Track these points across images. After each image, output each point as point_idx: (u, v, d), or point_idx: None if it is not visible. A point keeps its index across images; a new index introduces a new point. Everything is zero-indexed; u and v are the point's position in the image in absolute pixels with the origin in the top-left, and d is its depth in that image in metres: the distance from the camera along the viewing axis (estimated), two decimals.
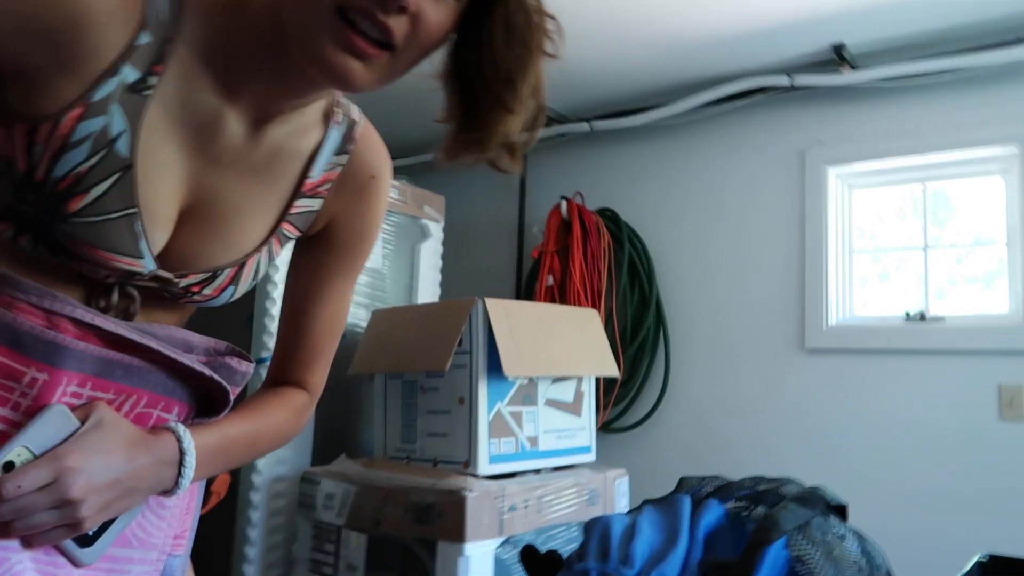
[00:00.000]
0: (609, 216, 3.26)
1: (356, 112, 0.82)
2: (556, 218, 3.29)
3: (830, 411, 2.74)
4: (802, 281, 2.85)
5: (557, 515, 1.98)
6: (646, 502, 1.14)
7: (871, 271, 2.88)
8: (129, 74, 0.62)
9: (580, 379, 2.25)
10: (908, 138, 2.70)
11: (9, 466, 0.60)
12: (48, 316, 0.63)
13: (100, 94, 0.61)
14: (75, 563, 0.65)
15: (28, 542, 0.62)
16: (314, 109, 0.76)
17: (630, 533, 1.04)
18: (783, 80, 2.81)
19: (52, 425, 0.62)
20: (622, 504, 2.21)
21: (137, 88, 0.62)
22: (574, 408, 2.22)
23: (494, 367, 1.93)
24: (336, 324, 0.88)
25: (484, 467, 1.91)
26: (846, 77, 2.70)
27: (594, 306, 3.11)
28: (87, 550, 0.66)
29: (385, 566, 1.94)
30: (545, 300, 3.21)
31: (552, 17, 0.66)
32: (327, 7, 0.59)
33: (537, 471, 2.08)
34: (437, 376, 2.03)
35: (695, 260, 3.12)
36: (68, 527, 0.62)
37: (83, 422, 0.64)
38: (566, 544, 2.01)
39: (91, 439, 0.63)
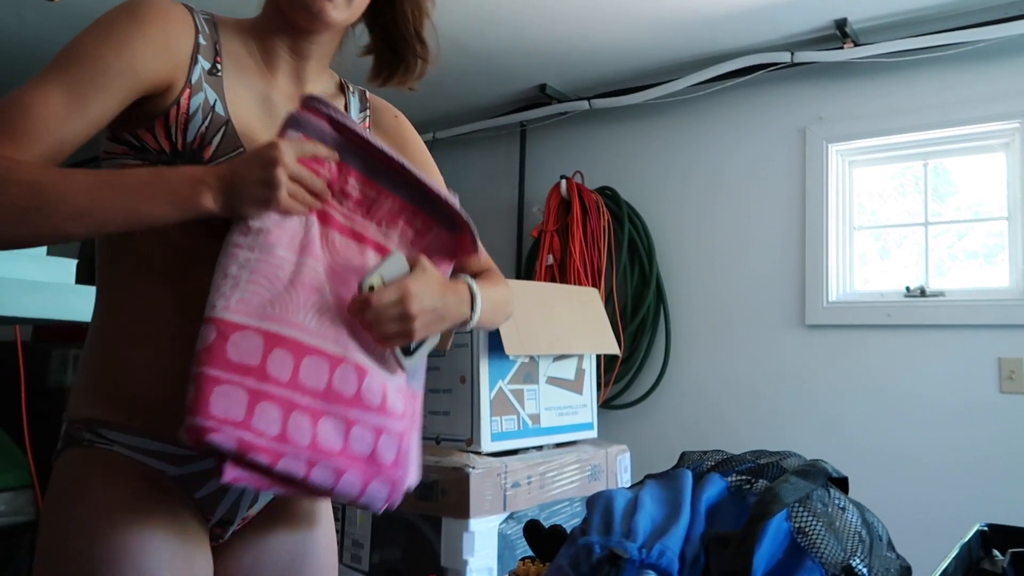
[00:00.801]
0: (609, 195, 3.26)
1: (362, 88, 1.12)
2: (556, 197, 3.28)
3: (831, 386, 2.75)
4: (802, 257, 2.86)
5: (560, 491, 2.00)
6: (648, 477, 1.15)
7: (871, 247, 2.88)
8: (204, 63, 0.90)
9: (581, 357, 2.25)
10: (909, 114, 2.69)
11: (370, 288, 0.84)
12: (332, 120, 0.87)
13: (195, 77, 0.89)
14: (400, 366, 0.88)
15: (375, 343, 0.86)
16: (331, 84, 1.06)
17: (632, 507, 1.05)
18: (784, 56, 2.79)
19: (394, 265, 0.87)
20: (624, 479, 2.23)
21: (212, 72, 0.91)
22: (575, 385, 2.23)
23: (495, 346, 1.94)
24: None
25: (487, 444, 1.93)
26: (848, 53, 2.68)
27: (594, 285, 3.11)
28: (408, 359, 0.89)
29: (390, 542, 1.96)
30: (545, 279, 3.21)
31: None
32: None
33: (539, 448, 2.09)
34: (438, 355, 2.03)
35: (695, 237, 3.12)
36: (403, 335, 0.86)
37: (412, 266, 0.87)
38: (569, 519, 2.02)
39: (420, 277, 0.87)
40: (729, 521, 1.03)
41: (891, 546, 0.99)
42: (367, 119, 1.08)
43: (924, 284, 2.68)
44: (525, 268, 3.46)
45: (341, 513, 2.03)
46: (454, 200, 0.94)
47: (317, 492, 0.83)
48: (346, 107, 1.06)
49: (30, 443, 2.26)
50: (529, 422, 2.06)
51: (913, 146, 2.76)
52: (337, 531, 2.04)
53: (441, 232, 0.95)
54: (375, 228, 0.91)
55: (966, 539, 1.04)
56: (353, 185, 0.90)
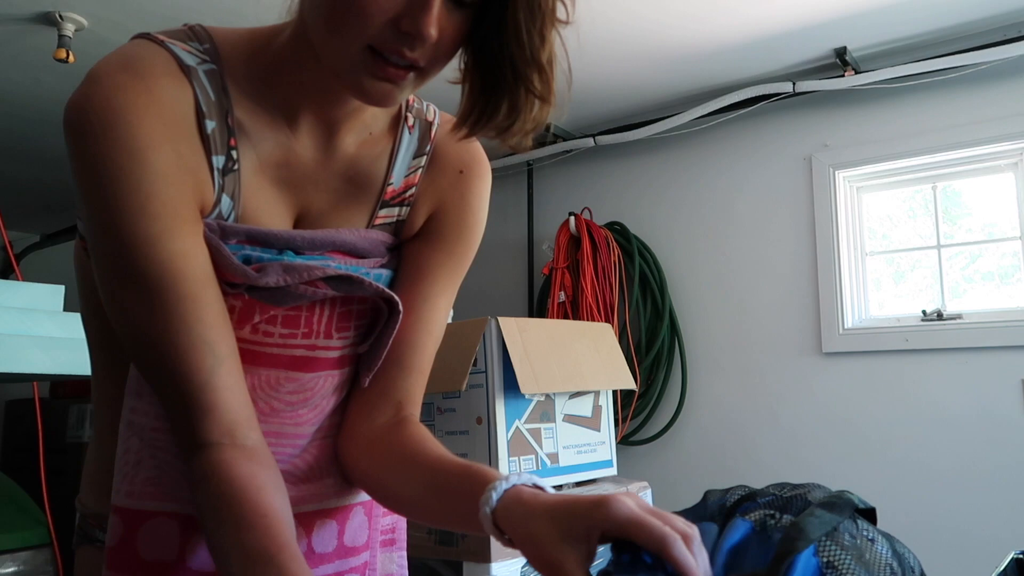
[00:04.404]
0: (618, 230, 3.27)
1: (432, 112, 0.82)
2: (565, 234, 3.29)
3: (851, 414, 2.72)
4: (815, 285, 2.84)
5: None
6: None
7: (885, 272, 2.87)
8: (217, 160, 0.67)
9: (597, 393, 2.24)
10: (915, 138, 2.69)
11: None
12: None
13: (216, 187, 0.68)
14: None
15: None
16: (379, 119, 0.77)
17: None
18: (786, 87, 2.81)
19: None
20: None
21: (227, 168, 0.68)
22: (593, 423, 2.21)
23: (510, 385, 1.93)
24: (438, 338, 0.83)
25: None
26: (849, 80, 2.70)
27: (607, 320, 3.10)
28: None
29: None
30: (558, 316, 3.21)
31: None
32: (360, 48, 0.61)
33: (559, 487, 2.07)
34: (453, 397, 2.02)
35: (707, 269, 3.11)
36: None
37: None
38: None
39: None
40: (755, 558, 1.01)
41: None
42: (419, 171, 0.80)
43: (941, 307, 2.66)
44: (537, 306, 3.46)
45: None
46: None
47: None
48: (393, 151, 0.78)
49: (48, 500, 2.26)
50: (547, 461, 2.03)
51: (921, 169, 2.76)
52: None
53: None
54: None
55: (1001, 568, 1.01)
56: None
